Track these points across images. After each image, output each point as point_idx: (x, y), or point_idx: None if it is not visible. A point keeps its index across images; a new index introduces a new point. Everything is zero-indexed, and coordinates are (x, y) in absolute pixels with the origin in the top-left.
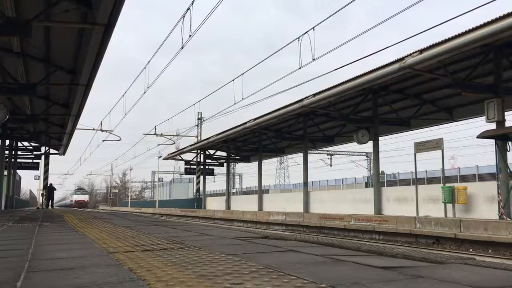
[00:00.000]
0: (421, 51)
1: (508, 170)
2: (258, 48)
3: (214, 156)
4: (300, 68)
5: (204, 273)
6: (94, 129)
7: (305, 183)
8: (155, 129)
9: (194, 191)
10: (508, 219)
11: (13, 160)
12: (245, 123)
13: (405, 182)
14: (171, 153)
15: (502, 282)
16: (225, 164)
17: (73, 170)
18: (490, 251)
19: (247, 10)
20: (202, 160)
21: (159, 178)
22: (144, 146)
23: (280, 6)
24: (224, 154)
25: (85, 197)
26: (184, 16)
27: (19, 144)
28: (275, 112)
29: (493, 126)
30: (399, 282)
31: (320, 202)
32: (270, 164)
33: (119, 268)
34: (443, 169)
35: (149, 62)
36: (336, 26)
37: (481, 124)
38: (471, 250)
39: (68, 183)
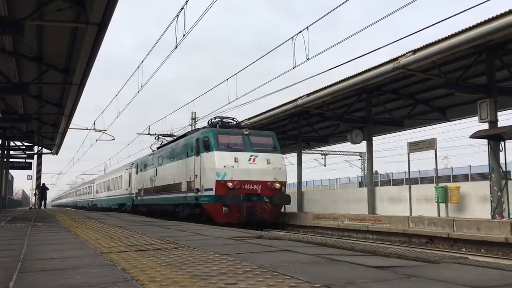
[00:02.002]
0: (415, 51)
1: (501, 170)
2: (252, 49)
3: None
4: (294, 67)
5: (198, 273)
6: (87, 129)
7: (299, 182)
8: (149, 128)
9: None
10: (500, 218)
11: (5, 159)
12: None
13: (398, 182)
14: None
15: (495, 281)
16: None
17: (66, 170)
18: (483, 250)
19: (241, 12)
20: None
21: None
22: (138, 145)
23: (274, 8)
24: None
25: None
26: (178, 15)
27: (12, 143)
28: (268, 112)
29: (486, 126)
30: (392, 281)
31: (313, 201)
32: None
33: (113, 268)
34: (436, 169)
35: (142, 61)
36: (330, 27)
37: (474, 124)
38: (464, 249)
39: (61, 183)
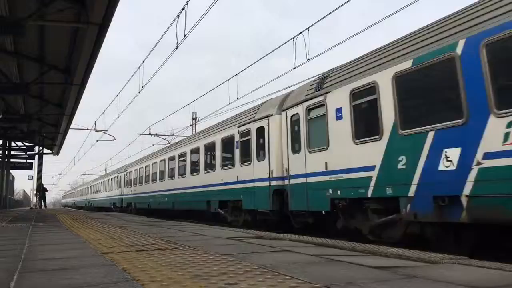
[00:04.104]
0: None
1: None
2: (252, 51)
3: None
4: (294, 68)
5: (199, 273)
6: (88, 129)
7: None
8: (150, 129)
9: None
10: None
11: (6, 160)
12: None
13: None
14: None
15: (496, 282)
16: None
17: (67, 170)
18: None
19: (242, 13)
20: None
21: None
22: (139, 146)
23: (272, 10)
24: None
25: None
26: (178, 16)
27: (13, 144)
28: None
29: None
30: (393, 282)
31: None
32: None
33: (113, 268)
34: None
35: (143, 62)
36: (330, 28)
37: None
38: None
39: (62, 183)
